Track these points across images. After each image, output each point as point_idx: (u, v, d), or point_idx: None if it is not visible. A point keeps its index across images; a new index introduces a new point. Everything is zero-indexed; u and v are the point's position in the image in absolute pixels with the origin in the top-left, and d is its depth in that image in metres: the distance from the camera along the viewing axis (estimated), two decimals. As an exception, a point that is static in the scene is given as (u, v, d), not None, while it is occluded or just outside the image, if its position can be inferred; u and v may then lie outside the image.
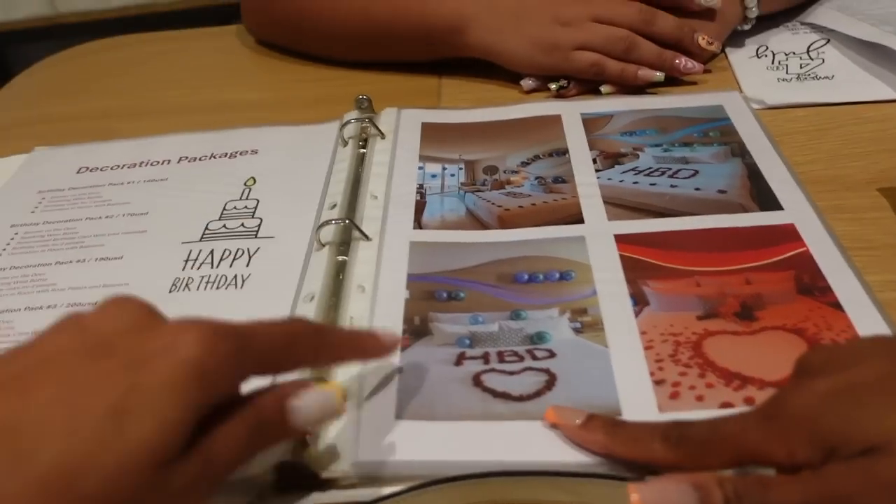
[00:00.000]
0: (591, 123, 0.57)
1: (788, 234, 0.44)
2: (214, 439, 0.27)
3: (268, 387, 0.31)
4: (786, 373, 0.35)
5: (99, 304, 0.29)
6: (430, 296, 0.43)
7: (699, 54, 0.61)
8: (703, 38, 0.60)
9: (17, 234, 0.51)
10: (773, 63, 0.63)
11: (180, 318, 0.28)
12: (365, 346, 0.35)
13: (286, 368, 0.32)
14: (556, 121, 0.57)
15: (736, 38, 0.66)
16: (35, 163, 0.60)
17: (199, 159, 0.58)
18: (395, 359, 0.39)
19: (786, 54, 0.63)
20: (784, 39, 0.66)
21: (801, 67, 0.62)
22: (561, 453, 0.33)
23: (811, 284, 0.41)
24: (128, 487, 0.24)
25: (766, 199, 0.47)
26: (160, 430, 0.24)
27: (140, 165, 0.58)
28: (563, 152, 0.54)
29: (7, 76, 0.78)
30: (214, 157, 0.58)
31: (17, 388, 0.24)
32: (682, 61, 0.60)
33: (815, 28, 0.67)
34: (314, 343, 0.32)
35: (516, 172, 0.53)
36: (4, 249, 0.50)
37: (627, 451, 0.32)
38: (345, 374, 0.38)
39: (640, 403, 0.35)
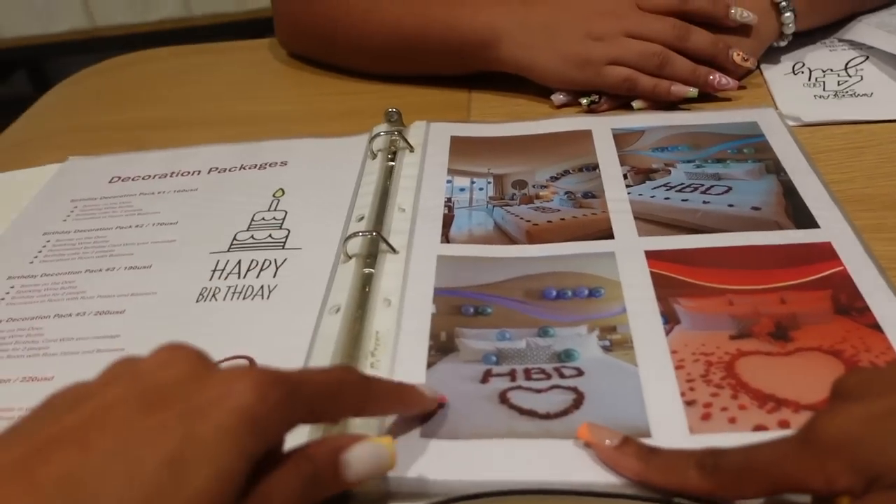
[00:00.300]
0: (622, 139, 0.56)
1: (825, 253, 0.43)
2: (270, 489, 0.27)
3: (322, 439, 0.32)
4: (822, 396, 0.34)
5: (153, 351, 0.29)
6: (457, 311, 0.42)
7: (734, 70, 0.60)
8: (738, 55, 0.60)
9: (49, 241, 0.52)
10: (809, 80, 0.62)
11: (232, 366, 0.29)
12: (409, 399, 0.35)
13: (333, 416, 0.32)
14: (586, 136, 0.57)
15: (772, 55, 0.65)
16: (68, 172, 0.61)
17: (229, 170, 0.58)
18: (422, 377, 0.38)
19: (823, 71, 0.62)
20: (821, 56, 0.65)
21: (838, 84, 0.61)
22: (587, 473, 0.32)
23: (848, 305, 0.40)
24: None
25: (801, 216, 0.46)
26: (217, 479, 0.25)
27: (171, 176, 0.58)
28: (594, 167, 0.53)
29: (46, 88, 0.80)
30: (244, 169, 0.58)
31: (77, 441, 0.25)
32: (717, 77, 0.59)
33: (854, 45, 0.65)
34: (361, 393, 0.32)
35: (545, 187, 0.52)
36: (36, 257, 0.50)
37: (661, 479, 0.31)
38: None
39: (670, 424, 0.34)
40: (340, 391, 0.31)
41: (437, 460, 0.34)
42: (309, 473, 0.29)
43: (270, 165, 0.58)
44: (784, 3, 0.61)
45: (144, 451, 0.24)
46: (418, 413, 0.36)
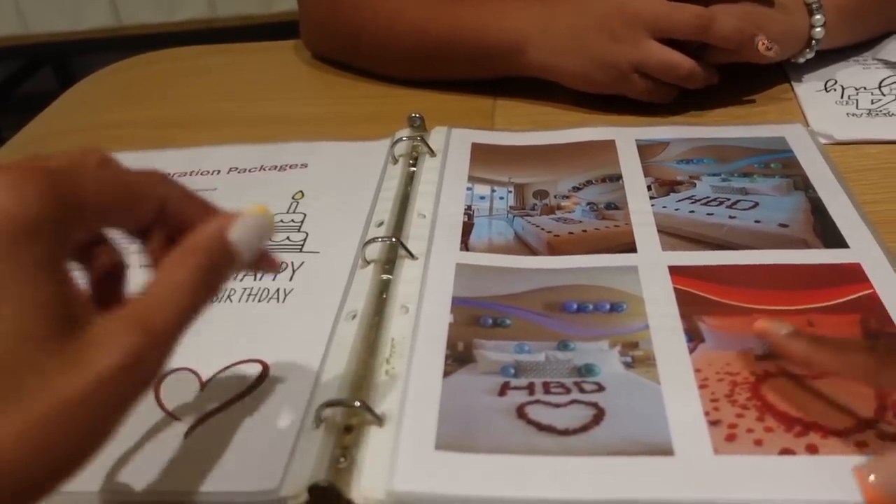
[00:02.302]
0: (646, 150, 0.55)
1: (854, 275, 0.42)
2: (157, 298, 0.25)
3: (199, 228, 0.28)
4: (851, 422, 0.33)
5: None
6: (475, 321, 0.41)
7: (758, 61, 0.59)
8: (763, 43, 0.58)
9: (66, 237, 0.52)
10: (842, 97, 0.60)
11: None
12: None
13: (123, 221, 0.29)
14: (609, 146, 0.56)
15: (803, 71, 0.64)
16: (89, 168, 0.60)
17: (249, 171, 0.58)
18: (438, 386, 0.37)
19: (856, 89, 0.61)
20: (854, 74, 0.64)
21: (871, 103, 0.59)
22: (608, 491, 0.31)
23: (879, 329, 0.39)
24: (15, 366, 0.22)
25: (830, 235, 0.45)
26: (20, 312, 0.22)
27: (191, 174, 0.58)
28: (617, 178, 0.52)
29: (71, 84, 0.80)
30: (264, 170, 0.58)
31: None
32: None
33: (888, 64, 0.64)
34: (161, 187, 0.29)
35: (567, 198, 0.51)
36: (53, 252, 0.50)
37: (832, 364, 0.33)
38: (385, 401, 0.37)
39: (693, 444, 0.33)
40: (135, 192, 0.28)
41: (451, 474, 0.33)
42: (203, 263, 0.26)
43: (291, 167, 0.58)
44: (815, 4, 0.59)
45: None
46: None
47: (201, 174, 0.58)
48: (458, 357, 0.39)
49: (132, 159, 0.59)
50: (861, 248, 0.44)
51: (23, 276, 0.23)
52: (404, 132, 0.58)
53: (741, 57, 0.58)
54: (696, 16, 0.57)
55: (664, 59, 0.58)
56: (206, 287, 0.26)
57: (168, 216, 0.29)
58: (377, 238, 0.47)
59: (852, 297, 0.41)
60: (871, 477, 0.27)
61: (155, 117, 0.69)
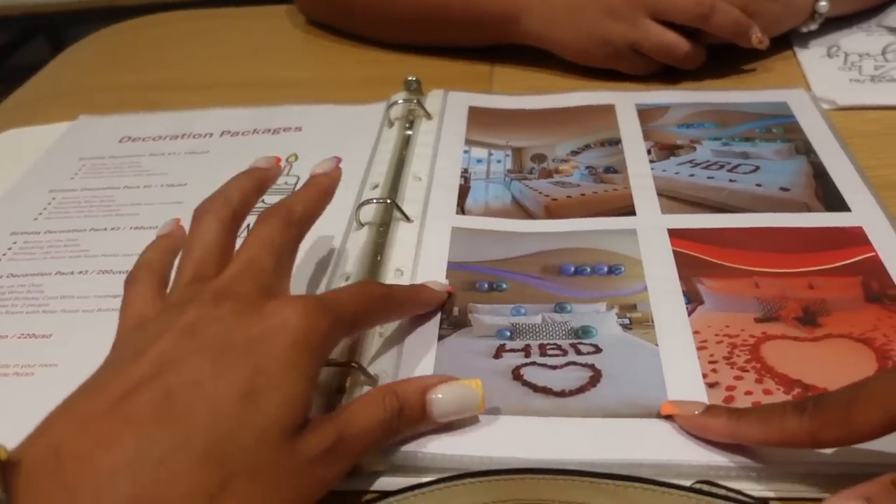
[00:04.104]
0: (646, 114, 0.54)
1: (856, 238, 0.41)
2: (352, 416, 0.30)
3: (409, 378, 0.33)
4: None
5: (191, 299, 0.30)
6: (471, 286, 0.41)
7: (748, 49, 0.58)
8: (756, 37, 0.57)
9: (54, 198, 0.51)
10: (845, 63, 0.59)
11: (276, 299, 0.31)
12: (424, 297, 0.38)
13: (367, 326, 0.36)
14: (609, 110, 0.55)
15: (806, 37, 0.63)
16: (78, 130, 0.59)
17: (242, 134, 0.57)
18: (432, 349, 0.37)
19: (859, 55, 0.60)
20: (858, 40, 0.63)
21: (875, 69, 0.58)
22: (604, 452, 0.31)
23: (880, 292, 0.38)
24: (268, 457, 0.26)
25: (832, 199, 0.44)
26: (286, 402, 0.27)
27: (182, 138, 0.57)
28: (616, 142, 0.52)
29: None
30: (257, 133, 0.57)
31: (158, 385, 0.27)
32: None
33: (891, 30, 0.63)
34: (385, 301, 0.35)
35: (566, 161, 0.51)
36: (41, 214, 0.49)
37: (757, 432, 0.29)
38: (379, 363, 0.36)
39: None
40: (370, 303, 0.34)
41: (445, 435, 0.32)
42: (395, 406, 0.31)
43: (284, 130, 0.57)
44: None
45: (221, 387, 0.27)
46: (433, 308, 0.39)
47: (193, 137, 0.57)
48: (454, 321, 0.38)
49: (123, 122, 0.59)
50: (863, 212, 0.43)
51: (297, 378, 0.28)
52: (400, 95, 0.57)
53: (734, 41, 0.58)
54: (698, 3, 0.56)
55: (662, 41, 0.57)
56: (395, 426, 0.31)
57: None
58: (372, 200, 0.46)
59: (854, 259, 0.40)
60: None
61: (147, 80, 0.68)
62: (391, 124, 0.55)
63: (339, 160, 0.40)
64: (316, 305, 0.30)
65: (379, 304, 0.35)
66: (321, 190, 0.38)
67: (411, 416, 0.31)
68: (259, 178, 0.39)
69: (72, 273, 0.44)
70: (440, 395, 0.32)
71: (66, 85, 0.70)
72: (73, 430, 0.26)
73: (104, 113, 0.61)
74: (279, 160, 0.41)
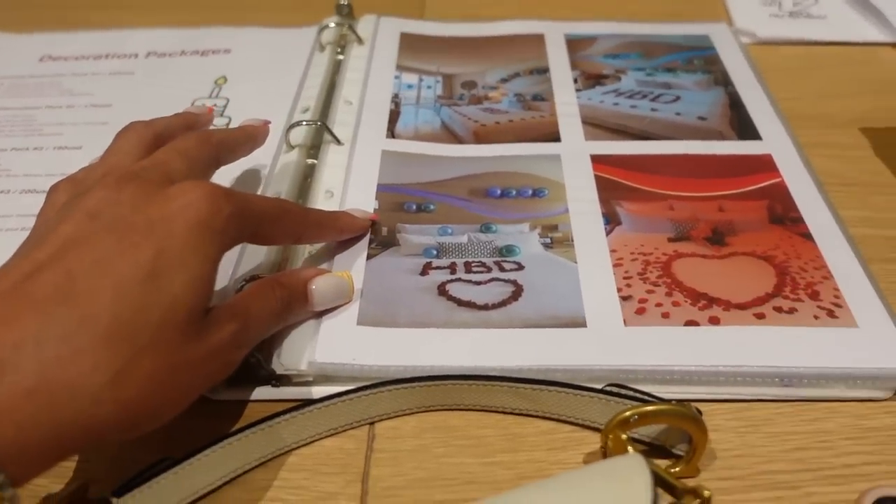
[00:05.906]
0: (574, 44, 0.55)
1: (765, 165, 0.44)
2: (248, 303, 0.31)
3: (290, 270, 0.36)
4: (752, 296, 0.35)
5: (96, 183, 0.30)
6: (399, 207, 0.42)
7: None
8: None
9: (-28, 118, 0.49)
10: (765, -2, 0.61)
11: (180, 183, 0.30)
12: (343, 224, 0.38)
13: (274, 239, 0.35)
14: (538, 40, 0.56)
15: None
16: (-5, 48, 0.57)
17: (169, 55, 0.56)
18: (361, 268, 0.38)
19: (779, -9, 0.62)
20: (778, -25, 0.64)
21: (794, 5, 0.60)
22: (525, 359, 0.33)
23: (783, 214, 0.40)
24: (175, 336, 0.27)
25: (745, 128, 0.47)
26: (190, 283, 0.27)
27: (106, 58, 0.55)
28: (544, 71, 0.53)
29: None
30: (185, 54, 0.56)
31: (60, 266, 0.26)
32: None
33: (811, -33, 0.65)
34: (300, 219, 0.35)
35: (495, 88, 0.51)
36: (-41, 133, 0.48)
37: None
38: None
39: (605, 316, 0.35)
40: (283, 215, 0.34)
41: (371, 346, 0.34)
42: (284, 296, 0.33)
43: (213, 52, 0.56)
44: None
45: (124, 268, 0.26)
46: (353, 235, 0.39)
47: (117, 57, 0.55)
48: (382, 241, 0.39)
49: (43, 41, 0.57)
50: (773, 141, 0.46)
51: (200, 260, 0.28)
52: (332, 19, 0.57)
53: None
54: None
55: None
56: (286, 314, 0.34)
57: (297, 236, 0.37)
58: (302, 122, 0.46)
59: (762, 185, 0.42)
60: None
61: (66, -2, 0.66)
62: (322, 48, 0.55)
63: (268, 122, 0.42)
64: (220, 191, 0.30)
65: (291, 218, 0.34)
66: (246, 133, 0.39)
67: (297, 305, 0.34)
68: (189, 120, 0.38)
69: (-6, 192, 0.43)
70: (319, 286, 0.34)
71: (-21, 1, 0.67)
72: None
73: (24, 31, 0.59)
74: (212, 109, 0.41)
